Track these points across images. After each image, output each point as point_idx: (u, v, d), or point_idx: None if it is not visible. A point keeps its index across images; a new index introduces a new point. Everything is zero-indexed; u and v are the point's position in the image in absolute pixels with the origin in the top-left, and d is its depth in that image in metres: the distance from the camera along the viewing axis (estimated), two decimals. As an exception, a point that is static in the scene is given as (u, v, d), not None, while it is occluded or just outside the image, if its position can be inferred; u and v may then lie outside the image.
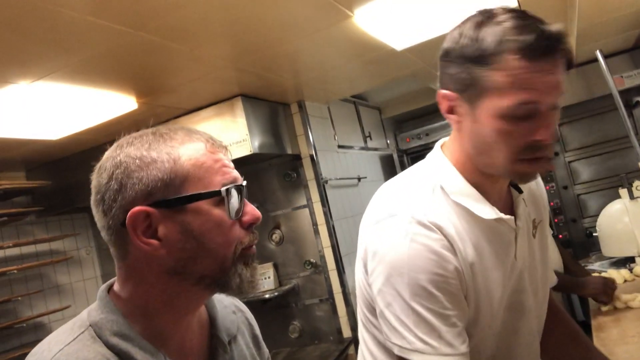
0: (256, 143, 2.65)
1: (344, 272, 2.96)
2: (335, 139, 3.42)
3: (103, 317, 0.72)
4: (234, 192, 0.74)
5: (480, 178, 0.94)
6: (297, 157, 3.04)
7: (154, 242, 0.71)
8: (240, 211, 0.75)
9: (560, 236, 3.92)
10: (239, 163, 2.74)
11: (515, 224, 0.97)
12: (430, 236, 0.88)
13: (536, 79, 0.82)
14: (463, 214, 0.93)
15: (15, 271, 2.53)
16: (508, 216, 0.95)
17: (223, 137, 2.61)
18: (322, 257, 2.97)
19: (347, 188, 3.36)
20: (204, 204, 0.72)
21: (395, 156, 4.55)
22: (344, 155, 3.48)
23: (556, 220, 3.97)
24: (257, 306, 3.05)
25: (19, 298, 2.59)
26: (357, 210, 3.35)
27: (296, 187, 3.04)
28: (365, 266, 0.97)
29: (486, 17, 0.86)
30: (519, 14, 0.84)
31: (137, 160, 0.71)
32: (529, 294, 1.01)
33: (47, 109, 2.20)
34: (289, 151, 2.99)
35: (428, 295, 0.86)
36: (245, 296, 0.80)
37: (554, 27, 0.82)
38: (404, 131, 4.81)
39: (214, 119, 2.69)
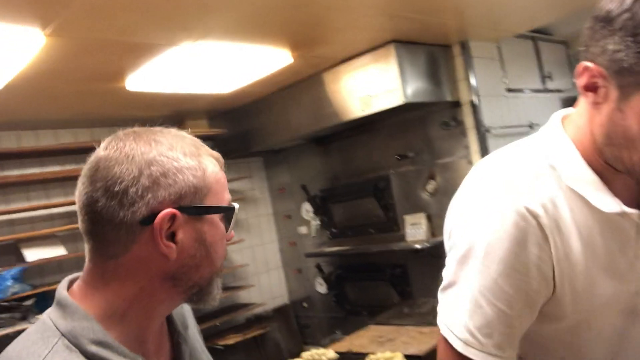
0: (409, 91, 2.47)
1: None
2: (504, 81, 3.01)
3: (76, 325, 0.66)
4: None
5: (604, 165, 0.79)
6: (457, 104, 2.77)
7: (172, 245, 0.69)
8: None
9: None
10: (392, 112, 2.62)
11: None
12: (522, 227, 0.76)
13: None
14: (577, 201, 0.79)
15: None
16: (634, 210, 0.78)
17: (375, 86, 2.51)
18: (480, 211, 2.72)
19: (516, 137, 2.94)
20: (217, 217, 0.74)
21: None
22: (514, 100, 3.06)
23: None
24: (409, 255, 2.98)
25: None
26: (526, 161, 2.95)
27: (455, 136, 2.79)
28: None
29: None
30: None
31: (174, 162, 0.69)
32: None
33: (214, 66, 2.35)
34: (449, 98, 2.73)
35: (497, 290, 0.77)
36: (207, 307, 0.79)
37: None
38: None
39: (367, 66, 2.58)
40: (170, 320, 0.82)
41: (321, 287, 3.41)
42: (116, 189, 0.66)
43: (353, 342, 2.46)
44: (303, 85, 2.87)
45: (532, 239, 0.76)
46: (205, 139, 3.14)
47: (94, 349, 0.65)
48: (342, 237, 3.28)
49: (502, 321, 0.78)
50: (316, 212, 3.38)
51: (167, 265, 0.70)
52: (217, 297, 0.77)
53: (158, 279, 0.70)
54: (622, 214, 0.78)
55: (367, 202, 3.13)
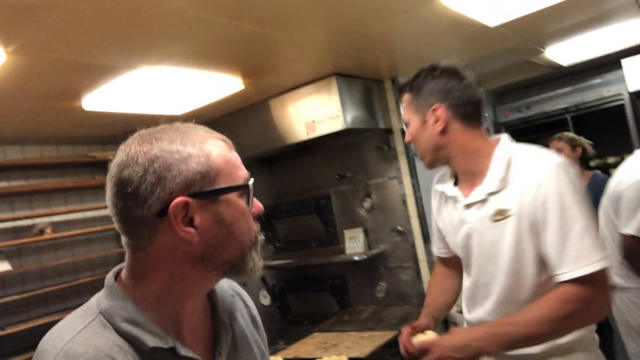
0: (349, 118, 2.60)
1: (429, 241, 2.85)
2: (428, 113, 3.24)
3: (113, 304, 0.70)
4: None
5: None
6: (389, 131, 2.95)
7: (192, 230, 0.70)
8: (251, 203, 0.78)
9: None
10: (333, 137, 2.74)
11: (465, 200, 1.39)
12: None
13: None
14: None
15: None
16: (460, 194, 1.41)
17: (319, 113, 2.62)
18: (409, 226, 2.88)
19: (438, 161, 3.19)
20: (233, 196, 0.74)
21: (491, 130, 4.22)
22: (436, 129, 3.29)
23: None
24: (348, 267, 3.08)
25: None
26: (447, 183, 3.17)
27: (387, 159, 2.96)
28: None
29: None
30: None
31: (175, 154, 0.70)
32: (475, 250, 1.39)
33: (170, 89, 2.35)
34: (382, 125, 2.90)
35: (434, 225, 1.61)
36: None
37: None
38: (503, 103, 4.42)
39: (312, 95, 2.69)
40: (215, 309, 0.83)
41: (265, 299, 3.41)
42: (128, 190, 0.69)
43: (299, 349, 2.47)
44: (252, 110, 2.92)
45: (436, 202, 1.54)
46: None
47: (125, 326, 0.68)
48: (286, 251, 3.31)
49: (435, 234, 1.63)
50: (261, 227, 3.38)
51: (193, 249, 0.71)
52: (255, 269, 0.76)
53: (187, 263, 0.72)
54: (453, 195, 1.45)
55: (309, 218, 3.20)
